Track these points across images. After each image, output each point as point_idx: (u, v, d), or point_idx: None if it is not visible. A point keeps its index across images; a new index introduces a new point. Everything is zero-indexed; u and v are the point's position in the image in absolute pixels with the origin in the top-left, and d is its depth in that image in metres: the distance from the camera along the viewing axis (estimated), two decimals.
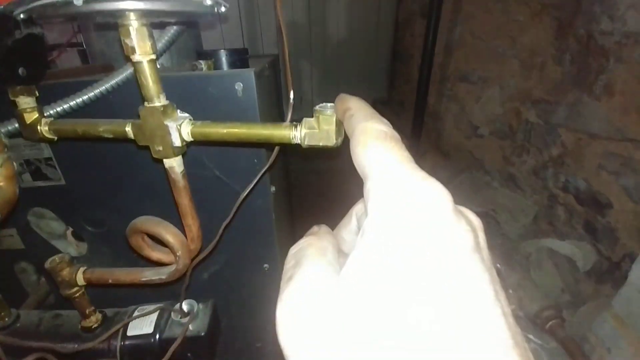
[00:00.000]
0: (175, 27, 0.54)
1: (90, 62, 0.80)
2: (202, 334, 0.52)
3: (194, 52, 0.78)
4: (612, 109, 1.18)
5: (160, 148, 0.39)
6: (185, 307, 0.54)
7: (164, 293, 0.67)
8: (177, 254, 0.43)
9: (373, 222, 0.14)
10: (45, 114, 0.46)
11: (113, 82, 0.50)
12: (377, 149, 0.17)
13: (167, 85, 0.44)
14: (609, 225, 1.21)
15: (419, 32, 2.39)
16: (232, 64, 0.69)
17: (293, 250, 0.20)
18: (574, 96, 1.32)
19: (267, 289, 0.82)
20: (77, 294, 0.48)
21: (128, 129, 0.39)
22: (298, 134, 0.36)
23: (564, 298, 1.15)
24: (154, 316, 0.53)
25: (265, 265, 0.80)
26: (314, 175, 2.15)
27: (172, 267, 0.46)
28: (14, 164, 0.39)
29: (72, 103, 0.48)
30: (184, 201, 0.44)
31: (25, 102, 0.43)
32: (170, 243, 0.43)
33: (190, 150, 0.57)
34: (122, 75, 0.50)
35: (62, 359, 0.50)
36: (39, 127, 0.43)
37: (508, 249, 1.40)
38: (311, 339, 0.14)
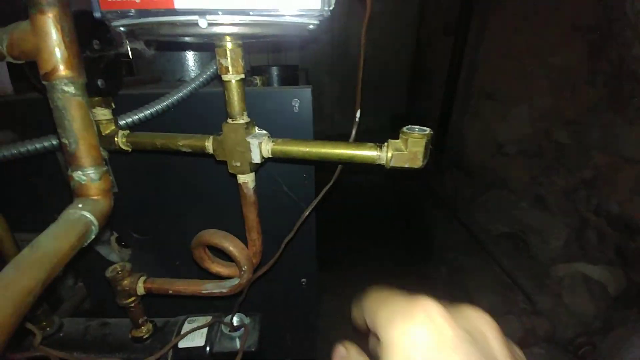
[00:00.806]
0: None
1: (135, 74, 0.82)
2: (253, 349, 0.51)
3: (247, 66, 0.80)
4: None
5: (238, 164, 0.39)
6: (235, 320, 0.53)
7: (204, 304, 0.67)
8: (243, 269, 0.43)
9: None
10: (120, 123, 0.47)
11: (181, 94, 0.51)
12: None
13: None
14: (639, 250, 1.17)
15: (441, 50, 2.41)
16: (284, 80, 0.70)
17: None
18: (607, 118, 1.30)
19: (304, 304, 0.81)
20: (134, 303, 0.49)
21: (208, 144, 0.40)
22: (384, 155, 0.36)
23: (596, 324, 1.11)
24: (205, 329, 0.53)
25: (303, 280, 0.79)
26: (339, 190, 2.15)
27: (235, 281, 0.46)
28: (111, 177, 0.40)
29: (143, 114, 0.50)
30: (252, 216, 0.44)
31: (102, 113, 0.44)
32: (236, 257, 0.43)
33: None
34: (189, 88, 0.52)
35: None
36: (115, 139, 0.44)
37: (538, 273, 1.37)
38: None
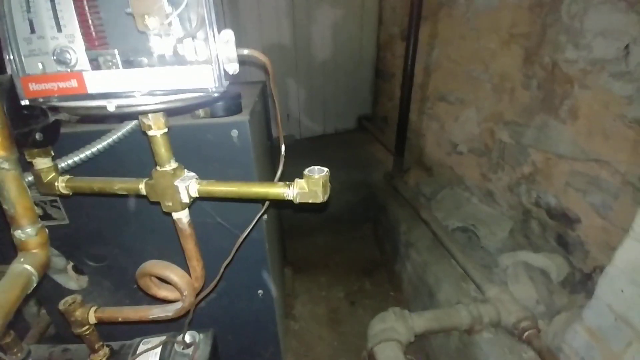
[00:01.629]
0: None
1: None
2: None
3: None
4: (577, 131, 1.30)
5: (170, 204, 0.44)
6: (187, 338, 0.58)
7: (163, 324, 0.71)
8: (184, 294, 0.49)
9: None
10: (59, 166, 0.51)
11: (120, 134, 0.55)
12: None
13: (171, 134, 0.49)
14: (578, 239, 1.31)
15: (400, 53, 2.51)
16: (228, 109, 0.75)
17: None
18: (541, 119, 1.44)
19: (262, 313, 0.86)
20: (88, 332, 0.52)
21: (142, 186, 0.45)
22: (291, 192, 0.42)
23: (539, 309, 1.23)
24: (158, 349, 0.58)
25: (260, 291, 0.85)
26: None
27: (179, 305, 0.51)
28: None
29: (84, 155, 0.53)
30: (190, 246, 0.49)
31: (43, 162, 0.48)
32: (177, 285, 0.48)
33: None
34: (127, 128, 0.56)
35: None
36: (56, 184, 0.48)
37: (488, 262, 1.49)
38: None
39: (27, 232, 0.38)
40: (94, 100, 0.31)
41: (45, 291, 0.81)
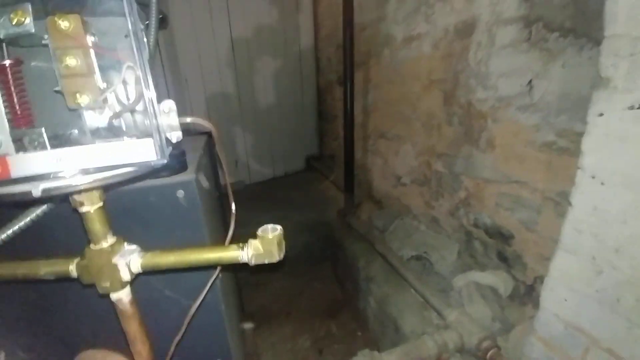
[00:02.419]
0: None
1: None
2: None
3: None
4: (495, 158, 1.48)
5: (108, 284, 0.40)
6: None
7: None
8: None
9: None
10: None
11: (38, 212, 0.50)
12: None
13: (109, 199, 0.45)
14: (515, 253, 1.44)
15: (339, 97, 2.71)
16: (171, 169, 0.73)
17: None
18: (466, 150, 1.62)
19: None
20: None
21: (72, 268, 0.40)
22: (245, 255, 0.41)
23: (496, 326, 1.29)
24: None
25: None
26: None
27: None
28: None
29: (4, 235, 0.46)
30: (133, 328, 0.44)
31: None
32: None
33: None
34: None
35: None
36: None
37: (444, 286, 1.55)
38: None
39: None
40: (17, 185, 0.28)
41: None
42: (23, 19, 0.31)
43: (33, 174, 0.28)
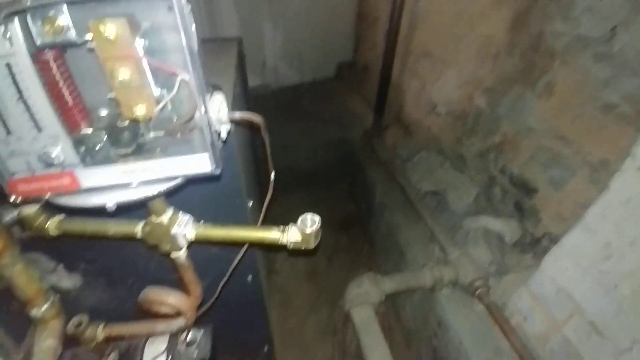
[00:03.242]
0: None
1: None
2: (207, 358, 0.64)
3: None
4: (549, 108, 1.34)
5: (168, 247, 0.46)
6: (189, 337, 0.65)
7: None
8: (186, 315, 0.53)
9: None
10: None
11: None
12: None
13: None
14: (534, 207, 1.46)
15: None
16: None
17: None
18: (518, 90, 1.46)
19: (252, 297, 0.94)
20: (99, 344, 0.57)
21: (137, 230, 0.45)
22: (285, 239, 0.45)
23: (492, 269, 1.42)
24: (163, 347, 0.64)
25: (249, 276, 0.91)
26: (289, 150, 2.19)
27: (181, 323, 0.56)
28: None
29: None
30: (188, 274, 0.52)
31: (30, 208, 0.46)
32: (179, 309, 0.52)
33: None
34: None
35: None
36: (45, 226, 0.47)
37: (454, 223, 1.64)
38: None
39: (43, 310, 0.40)
40: (90, 197, 0.30)
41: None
42: (62, 26, 0.26)
43: (102, 185, 0.30)
